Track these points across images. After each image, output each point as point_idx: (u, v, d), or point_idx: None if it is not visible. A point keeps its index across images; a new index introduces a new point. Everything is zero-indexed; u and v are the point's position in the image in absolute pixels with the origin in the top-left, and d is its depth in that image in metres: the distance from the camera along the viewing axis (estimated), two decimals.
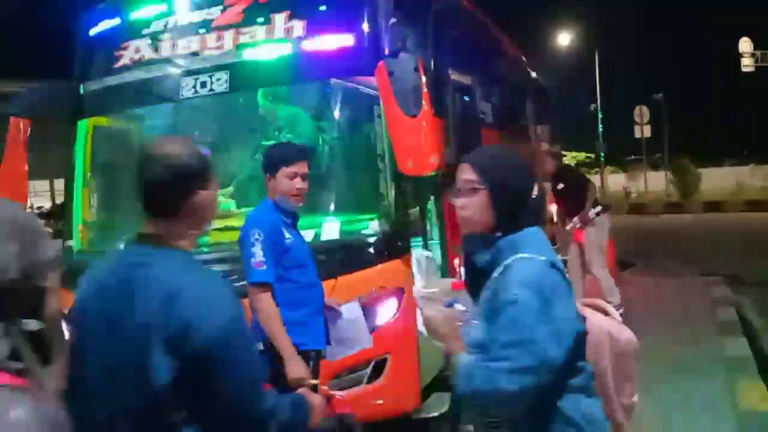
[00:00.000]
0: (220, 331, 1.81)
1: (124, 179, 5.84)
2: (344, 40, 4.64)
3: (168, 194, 1.94)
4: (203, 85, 4.89)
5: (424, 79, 4.32)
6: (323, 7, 4.87)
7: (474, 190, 2.18)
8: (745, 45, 36.16)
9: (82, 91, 5.34)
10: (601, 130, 31.16)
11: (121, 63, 5.20)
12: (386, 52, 4.53)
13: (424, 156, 4.33)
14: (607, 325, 2.45)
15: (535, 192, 2.21)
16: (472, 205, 2.19)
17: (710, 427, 4.86)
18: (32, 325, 1.40)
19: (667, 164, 33.60)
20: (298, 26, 4.75)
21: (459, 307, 2.09)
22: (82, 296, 1.97)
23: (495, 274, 2.11)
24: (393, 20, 4.69)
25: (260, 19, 4.85)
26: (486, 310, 2.09)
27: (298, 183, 3.64)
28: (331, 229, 4.72)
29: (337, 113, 5.15)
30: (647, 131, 29.82)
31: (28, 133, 5.10)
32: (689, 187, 29.55)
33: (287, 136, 5.18)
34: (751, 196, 28.73)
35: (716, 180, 32.06)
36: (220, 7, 5.01)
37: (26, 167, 5.12)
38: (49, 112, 5.40)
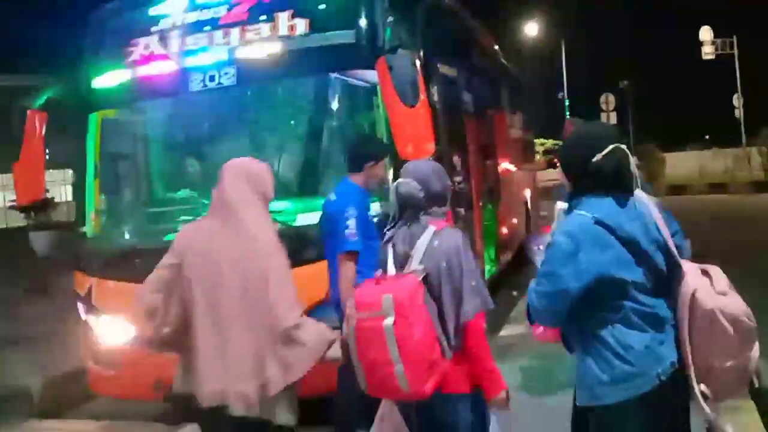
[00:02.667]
0: None
1: (132, 169, 6.16)
2: (347, 37, 4.99)
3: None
4: (211, 79, 5.20)
5: (420, 72, 4.74)
6: (324, 6, 5.20)
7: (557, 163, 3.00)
8: (705, 33, 37.11)
9: (93, 86, 5.62)
10: (568, 117, 31.79)
11: (131, 59, 5.48)
12: (385, 48, 4.92)
13: (422, 142, 4.72)
14: (694, 287, 2.66)
15: (596, 159, 2.68)
16: (558, 173, 2.98)
17: None
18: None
19: (633, 149, 34.35)
20: (302, 24, 5.09)
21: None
22: None
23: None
24: (390, 18, 5.07)
25: (266, 17, 5.18)
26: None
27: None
28: None
29: (340, 104, 5.50)
30: (613, 118, 30.51)
31: (45, 126, 5.38)
32: (655, 170, 30.31)
33: (294, 126, 5.56)
34: (713, 179, 29.68)
35: (679, 164, 32.92)
36: (227, 5, 5.34)
37: (43, 160, 5.40)
38: (63, 106, 5.66)
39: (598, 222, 2.63)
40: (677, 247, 2.78)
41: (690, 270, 2.72)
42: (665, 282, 2.73)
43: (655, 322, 2.69)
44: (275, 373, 2.88)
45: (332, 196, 4.44)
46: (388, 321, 2.80)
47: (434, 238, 2.97)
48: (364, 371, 2.94)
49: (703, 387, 2.65)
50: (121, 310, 5.23)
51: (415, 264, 2.97)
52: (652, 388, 2.62)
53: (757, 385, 2.84)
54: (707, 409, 2.64)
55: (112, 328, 5.31)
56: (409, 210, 3.05)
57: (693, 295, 2.63)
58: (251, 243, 2.95)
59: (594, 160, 2.68)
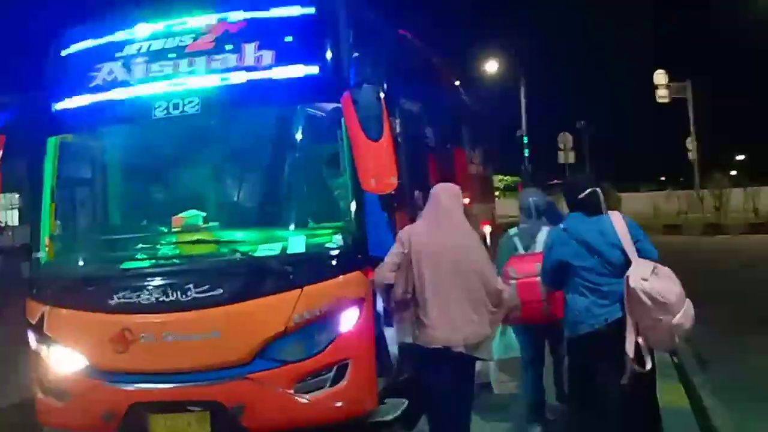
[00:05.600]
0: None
1: (89, 195, 6.06)
2: (312, 70, 5.02)
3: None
4: (174, 107, 5.16)
5: (384, 107, 4.79)
6: (290, 39, 5.22)
7: None
8: (660, 77, 38.15)
9: (53, 110, 5.53)
10: (527, 154, 32.20)
11: (93, 84, 5.41)
12: (351, 82, 4.97)
13: (385, 176, 4.77)
14: (628, 274, 4.23)
15: (581, 196, 4.54)
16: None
17: None
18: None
19: None
20: (268, 56, 5.10)
21: None
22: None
23: None
24: (356, 54, 5.12)
25: (232, 47, 5.18)
26: None
27: None
28: (297, 242, 5.05)
29: (305, 136, 5.51)
30: (571, 157, 31.00)
31: (2, 149, 5.28)
32: (611, 209, 30.72)
33: (257, 156, 5.55)
34: (667, 221, 30.30)
35: (634, 204, 33.51)
36: (193, 34, 5.33)
37: (0, 183, 5.28)
38: (21, 128, 5.56)
39: (564, 230, 4.57)
40: (639, 249, 4.35)
41: (637, 263, 4.28)
42: (621, 269, 4.29)
43: (599, 293, 4.36)
44: (480, 322, 4.34)
45: None
46: (539, 279, 4.85)
47: (548, 235, 5.00)
48: (522, 306, 4.94)
49: (640, 339, 4.23)
50: (73, 340, 5.17)
51: (538, 249, 5.26)
52: (589, 332, 4.36)
53: (677, 341, 4.45)
54: (629, 349, 4.20)
55: (63, 358, 5.19)
56: (535, 215, 5.45)
57: (626, 278, 4.24)
58: (463, 235, 4.48)
59: (579, 196, 4.58)
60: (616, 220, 4.45)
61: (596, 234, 4.40)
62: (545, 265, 4.63)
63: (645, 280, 4.18)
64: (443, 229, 4.43)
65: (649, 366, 4.23)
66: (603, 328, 4.32)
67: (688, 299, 4.29)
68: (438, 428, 4.48)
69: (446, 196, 4.58)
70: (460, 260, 4.34)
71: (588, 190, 4.55)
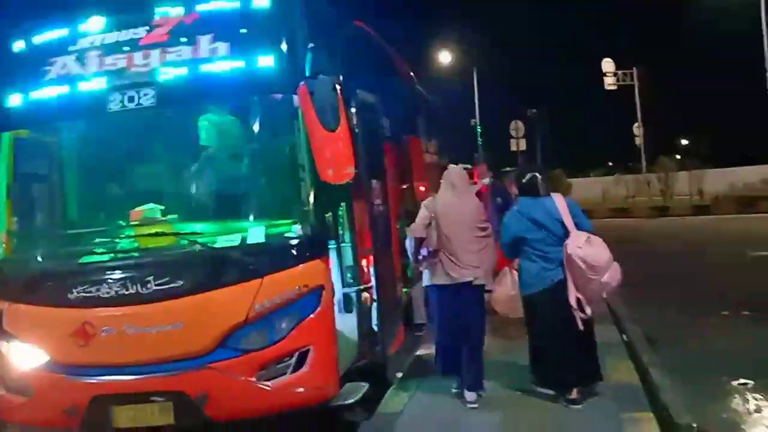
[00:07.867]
0: None
1: (46, 191, 6.00)
2: (268, 61, 5.05)
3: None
4: (130, 100, 5.14)
5: (340, 97, 4.87)
6: (245, 31, 5.26)
7: None
8: (607, 65, 38.91)
9: (6, 104, 5.47)
10: (480, 143, 32.54)
11: (46, 77, 5.37)
12: (306, 73, 5.03)
13: (342, 166, 4.85)
14: (566, 243, 5.44)
15: (524, 180, 5.78)
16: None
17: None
18: None
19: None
20: (223, 47, 5.12)
21: None
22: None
23: None
24: (311, 45, 5.18)
25: (187, 40, 5.19)
26: None
27: None
28: (256, 232, 5.10)
29: (262, 128, 5.54)
30: (522, 144, 31.48)
31: None
32: (563, 195, 31.27)
33: (215, 148, 5.57)
34: (616, 204, 31.01)
35: (584, 190, 34.17)
36: (147, 27, 5.31)
37: None
38: None
39: (518, 211, 5.71)
40: (576, 224, 5.50)
41: (574, 235, 5.43)
42: (563, 240, 5.45)
43: (547, 260, 5.52)
44: (485, 262, 5.89)
45: None
46: None
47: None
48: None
49: (579, 294, 5.42)
50: (34, 335, 5.16)
51: None
52: (542, 289, 5.54)
53: (605, 295, 5.92)
54: (572, 302, 5.43)
55: (25, 354, 5.18)
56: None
57: (565, 247, 5.43)
58: (472, 202, 6.02)
59: (523, 181, 5.79)
60: (558, 200, 5.65)
61: (543, 212, 5.57)
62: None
63: (579, 247, 5.38)
64: (457, 198, 5.93)
65: (589, 312, 5.50)
66: (550, 287, 5.51)
67: (616, 262, 5.51)
68: (467, 338, 5.86)
69: (455, 175, 6.09)
70: (472, 218, 5.88)
71: (529, 175, 5.80)
